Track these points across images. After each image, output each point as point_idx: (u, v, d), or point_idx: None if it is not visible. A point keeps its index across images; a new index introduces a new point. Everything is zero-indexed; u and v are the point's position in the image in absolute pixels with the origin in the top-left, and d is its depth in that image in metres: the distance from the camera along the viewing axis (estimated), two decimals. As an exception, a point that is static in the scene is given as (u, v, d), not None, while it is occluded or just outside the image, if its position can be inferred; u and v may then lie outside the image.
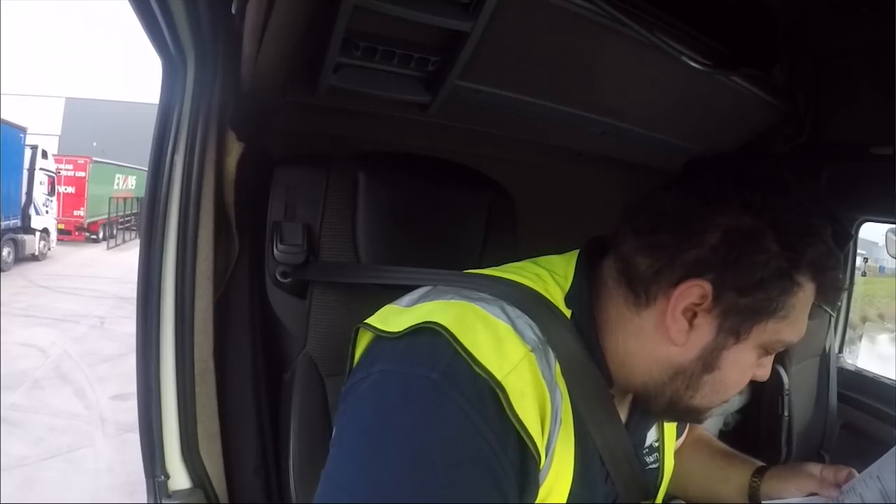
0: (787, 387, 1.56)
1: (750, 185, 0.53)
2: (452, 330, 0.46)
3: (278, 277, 0.82)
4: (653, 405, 0.58)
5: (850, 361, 1.86)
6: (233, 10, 0.73)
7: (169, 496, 0.79)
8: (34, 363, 4.72)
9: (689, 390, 0.55)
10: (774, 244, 0.51)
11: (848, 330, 1.90)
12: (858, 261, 1.94)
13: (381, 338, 0.50)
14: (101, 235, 12.72)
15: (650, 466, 0.67)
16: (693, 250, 0.51)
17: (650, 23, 0.91)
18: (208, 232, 0.80)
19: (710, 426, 1.60)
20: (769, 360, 0.58)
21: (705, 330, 0.53)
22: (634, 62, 1.00)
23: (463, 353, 0.44)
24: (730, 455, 0.81)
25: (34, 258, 9.58)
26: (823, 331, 1.67)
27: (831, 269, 0.54)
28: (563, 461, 0.52)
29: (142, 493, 0.80)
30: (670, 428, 0.72)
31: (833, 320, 1.69)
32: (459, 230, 0.89)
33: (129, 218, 14.14)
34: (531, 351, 0.48)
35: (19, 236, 9.19)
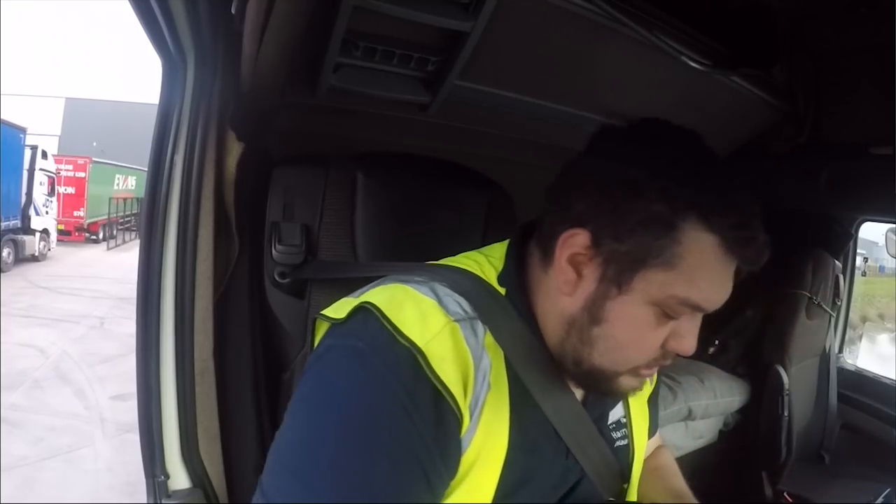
0: (787, 387, 1.56)
1: (638, 140, 0.55)
2: (381, 307, 0.52)
3: (276, 278, 0.82)
4: (564, 367, 0.57)
5: (850, 361, 1.86)
6: (233, 10, 0.73)
7: (169, 496, 0.79)
8: (34, 363, 4.71)
9: (584, 346, 0.55)
10: (654, 191, 0.50)
11: (848, 330, 1.90)
12: (858, 261, 1.94)
13: (333, 325, 0.55)
14: (101, 236, 12.70)
15: (619, 443, 0.66)
16: (580, 202, 0.54)
17: (650, 23, 0.91)
18: (208, 232, 0.80)
19: (711, 426, 1.60)
20: (688, 328, 0.55)
21: (590, 279, 0.54)
22: (634, 62, 1.00)
23: (388, 326, 0.51)
24: (680, 497, 0.74)
25: (34, 259, 9.57)
26: (823, 331, 1.67)
27: (723, 214, 0.50)
28: (493, 426, 0.54)
29: (142, 493, 0.80)
30: (636, 404, 0.70)
31: (833, 320, 1.69)
32: (458, 230, 0.89)
33: (129, 218, 14.12)
34: (454, 321, 0.53)
35: (19, 237, 9.18)
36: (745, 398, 1.62)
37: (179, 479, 0.80)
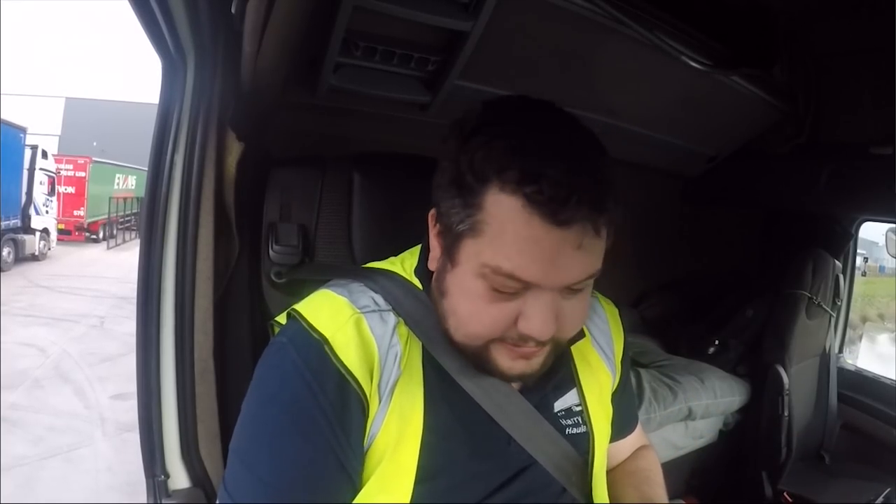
0: (787, 387, 1.56)
1: (483, 116, 0.52)
2: (301, 311, 0.59)
3: (273, 278, 0.83)
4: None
5: (850, 361, 1.86)
6: (233, 10, 0.73)
7: (169, 496, 0.79)
8: (34, 363, 4.71)
9: (442, 320, 0.56)
10: (464, 162, 0.49)
11: (848, 330, 1.90)
12: (858, 261, 1.93)
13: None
14: (101, 235, 12.68)
15: (573, 431, 0.64)
16: (434, 180, 0.55)
17: (650, 23, 0.91)
18: (208, 232, 0.80)
19: (711, 426, 1.60)
20: (534, 308, 0.50)
21: (439, 254, 0.56)
22: (634, 62, 1.00)
23: (304, 324, 0.57)
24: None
25: (34, 258, 9.56)
26: (823, 331, 1.67)
27: (517, 170, 0.46)
28: (406, 410, 0.56)
29: (142, 493, 0.80)
30: (593, 394, 0.68)
31: (833, 320, 1.69)
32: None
33: (129, 218, 14.11)
34: (360, 313, 0.58)
35: (19, 236, 9.17)
36: (745, 398, 1.62)
37: (179, 478, 0.80)
